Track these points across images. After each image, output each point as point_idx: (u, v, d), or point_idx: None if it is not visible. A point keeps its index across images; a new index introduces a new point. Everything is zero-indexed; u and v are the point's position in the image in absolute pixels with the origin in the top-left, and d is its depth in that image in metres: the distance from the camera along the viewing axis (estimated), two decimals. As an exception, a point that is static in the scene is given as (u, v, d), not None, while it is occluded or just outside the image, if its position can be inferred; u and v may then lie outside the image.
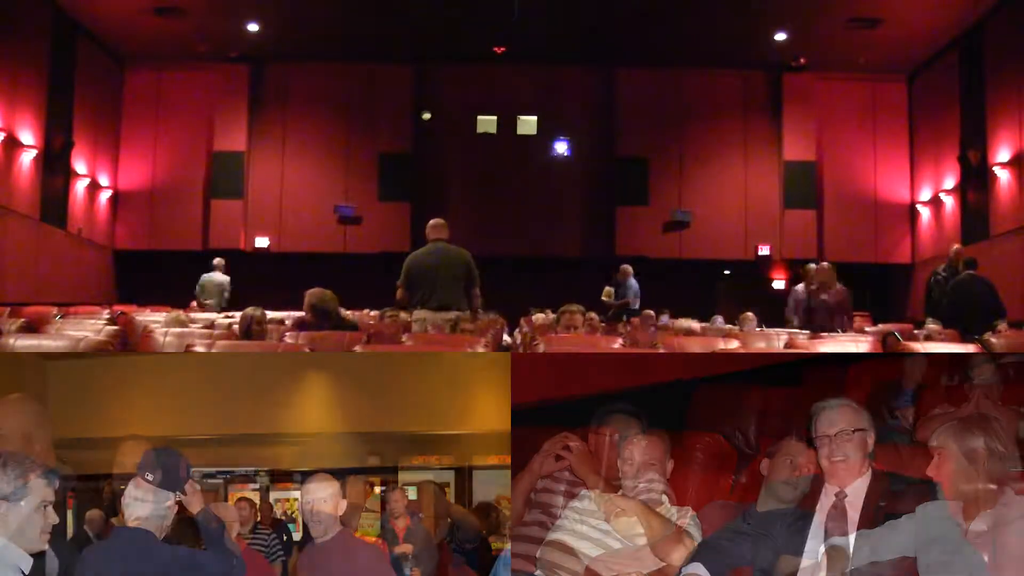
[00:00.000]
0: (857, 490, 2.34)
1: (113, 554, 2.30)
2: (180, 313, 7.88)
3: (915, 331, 7.55)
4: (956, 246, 9.47)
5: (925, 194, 14.47)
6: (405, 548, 3.33)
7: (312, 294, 5.63)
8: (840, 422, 2.33)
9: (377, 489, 4.09)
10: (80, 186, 13.68)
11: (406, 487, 3.82)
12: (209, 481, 4.16)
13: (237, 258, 13.94)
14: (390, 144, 15.18)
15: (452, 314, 5.97)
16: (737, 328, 7.95)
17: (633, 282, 11.07)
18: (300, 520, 3.67)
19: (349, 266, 13.90)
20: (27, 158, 12.02)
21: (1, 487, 1.88)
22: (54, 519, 1.95)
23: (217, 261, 11.35)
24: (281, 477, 4.34)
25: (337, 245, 14.76)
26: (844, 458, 2.32)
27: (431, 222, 6.52)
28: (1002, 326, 6.84)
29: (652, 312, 9.98)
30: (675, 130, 15.28)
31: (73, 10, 12.83)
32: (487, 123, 15.47)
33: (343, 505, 2.73)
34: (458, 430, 4.33)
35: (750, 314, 8.61)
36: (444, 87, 15.42)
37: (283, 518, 4.18)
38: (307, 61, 15.07)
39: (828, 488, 2.37)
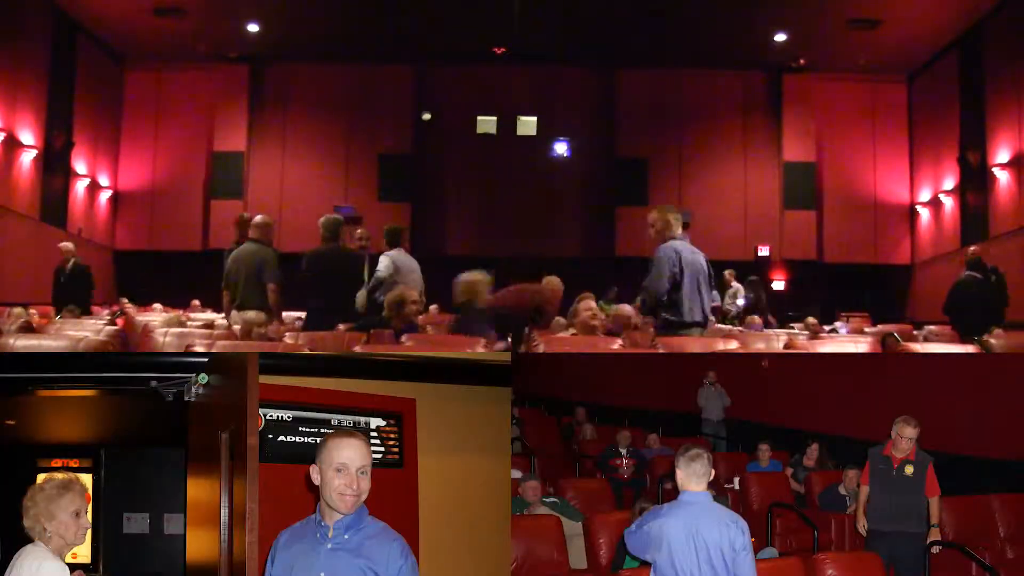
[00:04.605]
0: None
1: None
2: (180, 314, 7.89)
3: (914, 332, 7.55)
4: (972, 248, 9.27)
5: (925, 195, 14.47)
6: None
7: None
8: None
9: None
10: (80, 186, 13.67)
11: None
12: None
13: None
14: (390, 144, 15.17)
15: (251, 314, 5.71)
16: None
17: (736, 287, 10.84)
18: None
19: (349, 266, 13.87)
20: (27, 158, 12.02)
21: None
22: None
23: None
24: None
25: (337, 245, 14.72)
26: None
27: (254, 219, 6.20)
28: (996, 332, 6.76)
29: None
30: (675, 130, 15.28)
31: (73, 10, 12.83)
32: (487, 123, 15.45)
33: None
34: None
35: (754, 316, 8.62)
36: (444, 87, 15.41)
37: None
38: (307, 61, 15.06)
39: None
